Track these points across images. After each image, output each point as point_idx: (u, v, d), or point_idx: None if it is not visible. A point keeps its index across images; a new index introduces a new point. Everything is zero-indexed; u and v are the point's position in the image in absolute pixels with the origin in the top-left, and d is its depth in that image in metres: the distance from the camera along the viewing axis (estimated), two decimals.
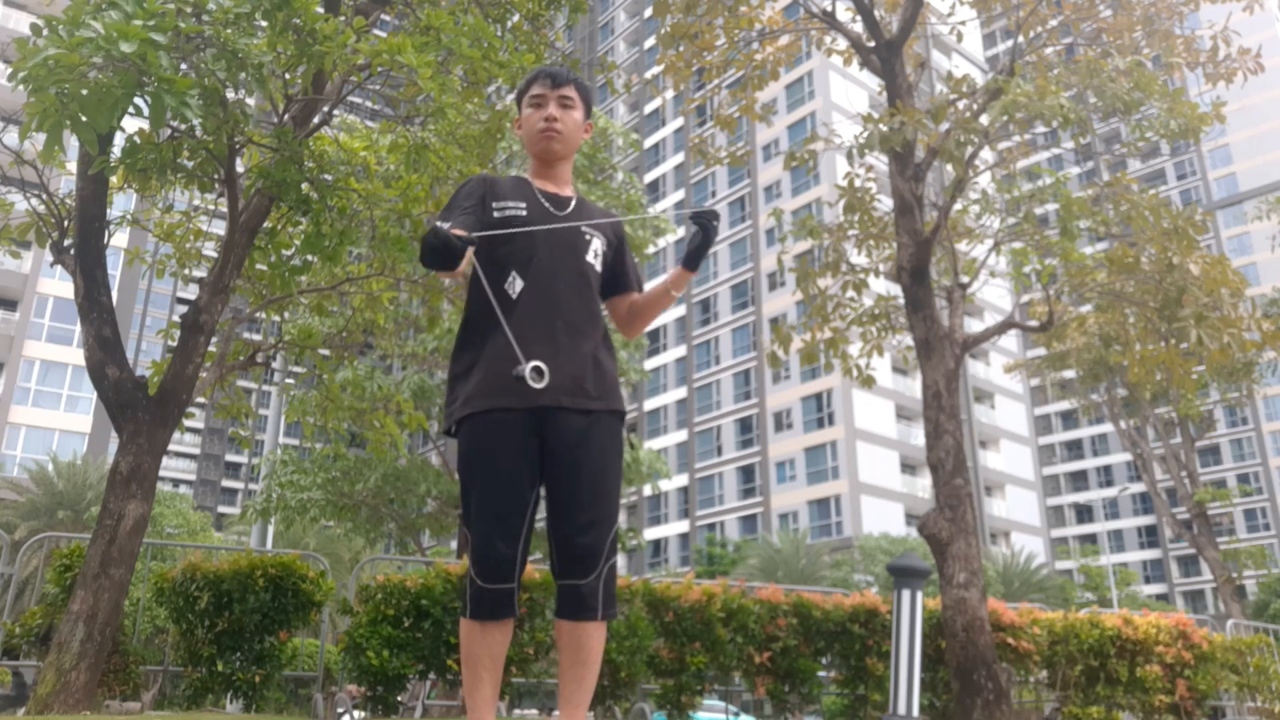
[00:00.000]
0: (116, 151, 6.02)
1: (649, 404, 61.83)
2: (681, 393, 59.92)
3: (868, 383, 10.62)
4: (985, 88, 8.97)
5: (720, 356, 58.13)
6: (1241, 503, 64.93)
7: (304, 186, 6.30)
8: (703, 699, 7.70)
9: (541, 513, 2.52)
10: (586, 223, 2.69)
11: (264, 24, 5.32)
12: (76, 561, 6.41)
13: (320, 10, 5.95)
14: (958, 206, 11.08)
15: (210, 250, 9.18)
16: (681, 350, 60.81)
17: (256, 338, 11.07)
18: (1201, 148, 73.88)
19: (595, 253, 2.67)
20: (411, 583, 6.77)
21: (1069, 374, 24.75)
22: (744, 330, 57.07)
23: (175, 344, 6.76)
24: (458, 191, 2.68)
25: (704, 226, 2.57)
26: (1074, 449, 79.96)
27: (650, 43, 65.92)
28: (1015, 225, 10.56)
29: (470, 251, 2.43)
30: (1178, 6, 9.47)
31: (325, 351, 10.90)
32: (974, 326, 51.15)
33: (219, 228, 9.74)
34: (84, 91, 4.44)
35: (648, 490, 51.71)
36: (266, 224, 7.24)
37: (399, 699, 7.14)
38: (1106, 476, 76.63)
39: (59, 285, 36.76)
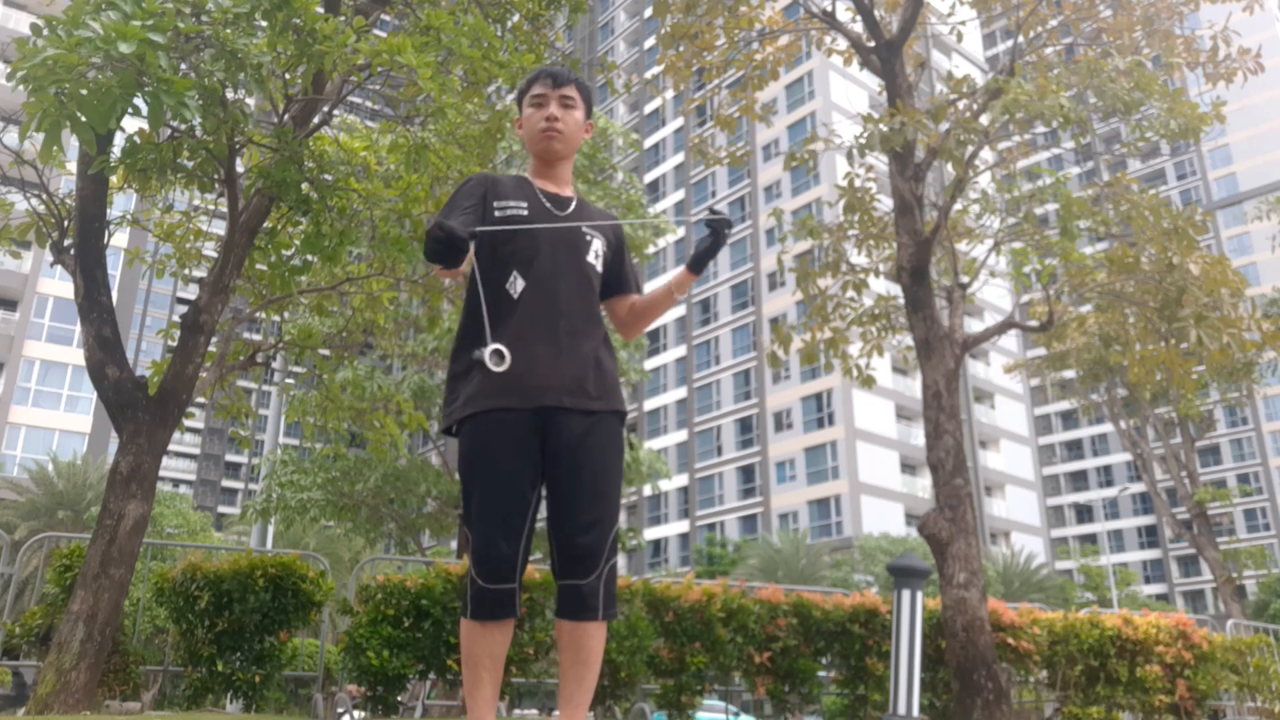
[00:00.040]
0: (116, 151, 6.02)
1: (649, 404, 61.83)
2: (681, 393, 59.93)
3: (868, 383, 10.61)
4: (985, 88, 8.97)
5: (720, 356, 58.13)
6: (1241, 503, 64.94)
7: (304, 186, 6.30)
8: (703, 699, 7.70)
9: (542, 513, 2.52)
10: (589, 223, 2.69)
11: (264, 24, 5.32)
12: (76, 561, 6.41)
13: (320, 10, 5.95)
14: (958, 206, 11.08)
15: (210, 250, 9.18)
16: (681, 350, 60.81)
17: (256, 338, 11.07)
18: (1201, 148, 73.89)
19: (596, 253, 2.68)
20: (411, 583, 6.77)
21: (1069, 374, 24.75)
22: (744, 330, 57.08)
23: (175, 344, 6.76)
24: (458, 190, 2.68)
25: (716, 232, 2.57)
26: (1074, 449, 79.97)
27: (650, 43, 65.92)
28: (1015, 225, 10.56)
29: (471, 249, 2.43)
30: (1178, 6, 9.47)
31: (325, 351, 10.90)
32: (974, 326, 51.15)
33: (219, 228, 9.74)
34: (83, 92, 4.44)
35: (648, 490, 51.72)
36: (266, 224, 7.24)
37: (399, 699, 7.14)
38: (1106, 476, 76.63)
39: (59, 285, 36.76)
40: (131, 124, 6.41)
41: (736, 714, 9.75)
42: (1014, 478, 59.35)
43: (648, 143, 67.63)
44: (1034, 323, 10.12)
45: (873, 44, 9.45)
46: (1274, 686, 8.87)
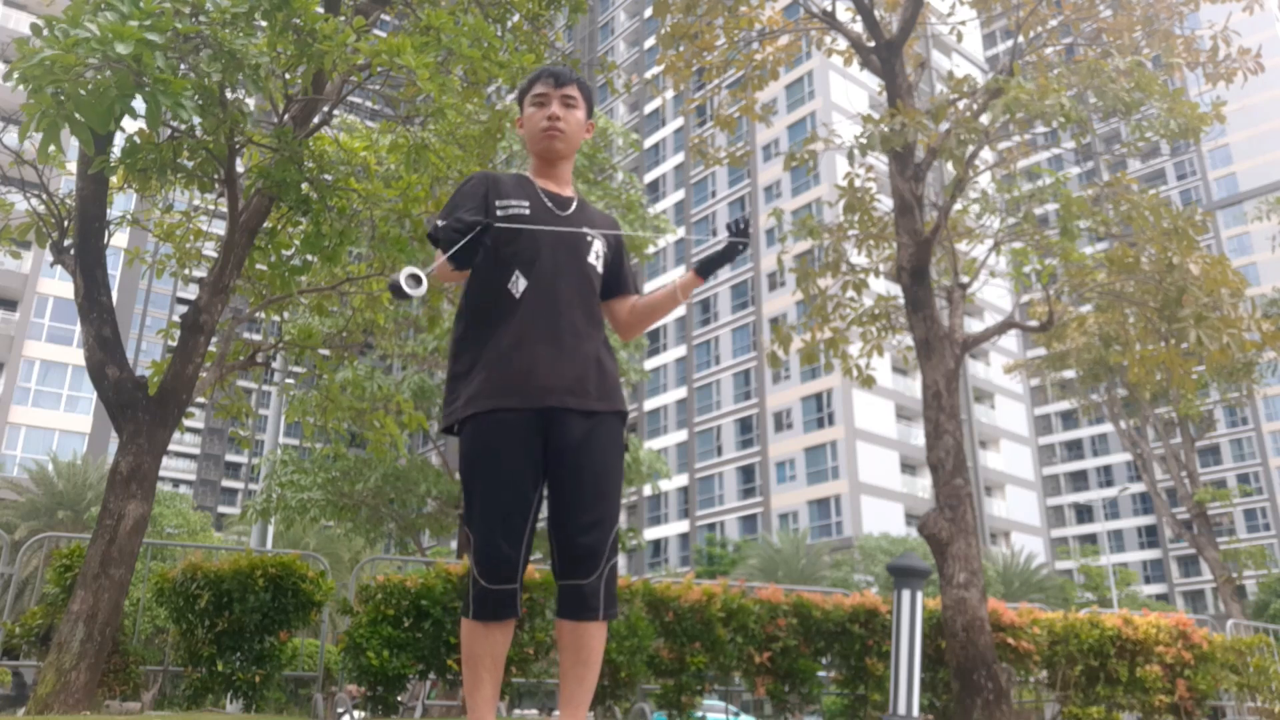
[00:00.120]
0: (117, 151, 6.02)
1: (649, 404, 61.83)
2: (681, 393, 59.93)
3: (868, 383, 10.61)
4: (985, 87, 8.97)
5: (720, 356, 58.13)
6: (1241, 503, 64.94)
7: (304, 186, 6.29)
8: (703, 699, 7.70)
9: (542, 513, 2.52)
10: (593, 229, 2.69)
11: (264, 24, 5.32)
12: (76, 561, 6.41)
13: (320, 10, 5.95)
14: (958, 206, 11.07)
15: (210, 250, 9.18)
16: (681, 350, 60.81)
17: (256, 338, 11.07)
18: (1201, 148, 73.90)
19: (597, 254, 2.68)
20: (411, 583, 6.77)
21: (1069, 374, 24.74)
22: (744, 330, 57.08)
23: (175, 344, 6.76)
24: (459, 189, 2.68)
25: (732, 245, 2.59)
26: (1074, 449, 79.97)
27: (650, 43, 65.93)
28: (1015, 225, 10.56)
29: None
30: (1178, 6, 9.47)
31: (325, 351, 10.90)
32: (974, 326, 51.16)
33: (219, 228, 9.74)
34: (81, 92, 4.44)
35: (648, 490, 51.73)
36: (266, 224, 7.24)
37: (399, 699, 7.14)
38: (1106, 476, 76.64)
39: (59, 285, 36.77)
40: (131, 124, 6.40)
41: (736, 714, 9.74)
42: (1014, 478, 59.35)
43: (648, 143, 67.63)
44: (1034, 323, 10.12)
45: (873, 44, 9.45)
46: (1274, 686, 8.87)
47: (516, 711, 8.73)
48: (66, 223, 6.86)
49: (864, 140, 8.03)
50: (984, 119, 8.63)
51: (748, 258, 57.96)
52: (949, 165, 8.37)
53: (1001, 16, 10.77)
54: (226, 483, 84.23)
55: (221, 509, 77.36)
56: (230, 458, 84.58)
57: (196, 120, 5.07)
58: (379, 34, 7.04)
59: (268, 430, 19.11)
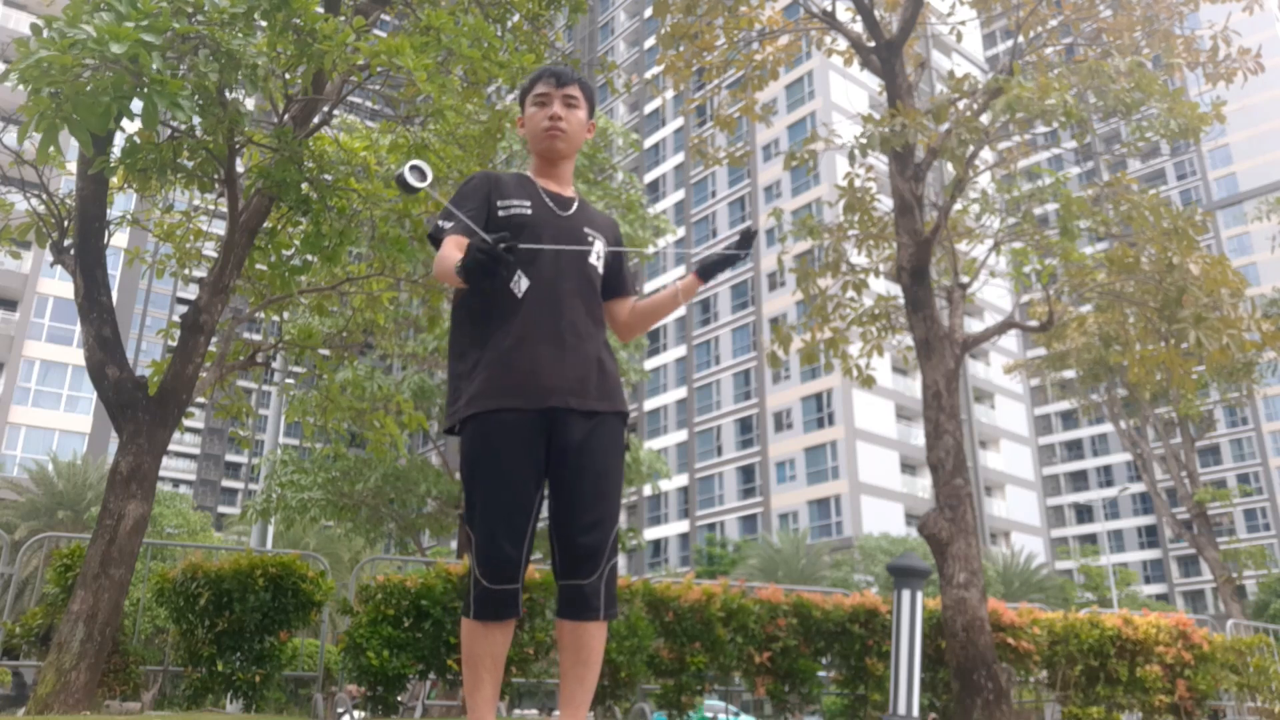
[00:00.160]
0: (116, 151, 6.02)
1: (649, 404, 61.83)
2: (681, 393, 59.93)
3: (868, 383, 10.61)
4: (986, 87, 8.97)
5: (720, 356, 58.13)
6: (1241, 503, 64.94)
7: (304, 186, 6.30)
8: (706, 699, 7.70)
9: (542, 513, 2.52)
10: (592, 228, 2.70)
11: (263, 24, 5.32)
12: (76, 561, 6.41)
13: (320, 10, 5.95)
14: (958, 206, 11.07)
15: (210, 250, 9.18)
16: (681, 350, 60.82)
17: (256, 338, 11.07)
18: (1201, 148, 73.89)
19: (598, 255, 2.68)
20: (411, 583, 6.77)
21: (1069, 374, 24.74)
22: (744, 330, 57.09)
23: (175, 344, 6.76)
24: (461, 189, 2.68)
25: (736, 253, 2.60)
26: (1074, 449, 79.97)
27: (650, 43, 65.93)
28: (1015, 225, 10.55)
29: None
30: (1178, 6, 9.47)
31: (325, 351, 10.89)
32: (974, 326, 51.16)
33: (219, 228, 9.74)
34: (78, 94, 4.44)
35: (648, 490, 51.74)
36: (266, 224, 7.24)
37: (399, 699, 7.14)
38: (1106, 476, 76.63)
39: (59, 285, 36.77)
40: (131, 124, 6.39)
41: (736, 714, 9.75)
42: (1014, 478, 59.35)
43: (648, 143, 67.64)
44: (1034, 323, 10.12)
45: (873, 44, 9.45)
46: (1274, 686, 8.87)
47: (516, 711, 8.73)
48: (66, 223, 6.86)
49: (864, 140, 8.03)
50: (984, 119, 8.63)
51: (748, 257, 57.92)
52: (949, 165, 8.37)
53: (1001, 16, 10.77)
54: (226, 483, 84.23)
55: (221, 509, 77.36)
56: (230, 458, 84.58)
57: (196, 120, 5.07)
58: (379, 34, 7.04)
59: (268, 430, 19.11)
